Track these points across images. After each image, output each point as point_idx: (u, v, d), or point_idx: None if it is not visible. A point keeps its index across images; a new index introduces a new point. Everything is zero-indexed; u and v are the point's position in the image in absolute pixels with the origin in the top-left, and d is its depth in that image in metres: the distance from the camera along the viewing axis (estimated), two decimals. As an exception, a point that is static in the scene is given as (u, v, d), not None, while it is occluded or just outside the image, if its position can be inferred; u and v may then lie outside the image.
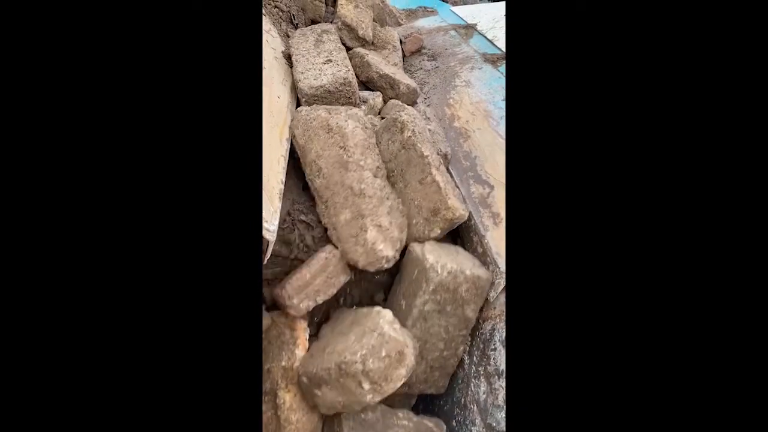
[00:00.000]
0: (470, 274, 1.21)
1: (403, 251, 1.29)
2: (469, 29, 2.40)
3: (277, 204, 1.04)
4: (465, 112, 1.78)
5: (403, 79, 1.83)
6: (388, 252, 1.18)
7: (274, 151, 1.17)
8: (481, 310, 1.30)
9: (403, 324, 1.18)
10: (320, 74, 1.48)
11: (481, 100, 1.82)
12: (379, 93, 1.75)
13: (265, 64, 1.40)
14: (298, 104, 1.46)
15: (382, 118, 1.63)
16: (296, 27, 1.96)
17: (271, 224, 0.99)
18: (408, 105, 1.73)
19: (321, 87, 1.45)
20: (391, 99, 1.78)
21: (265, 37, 1.51)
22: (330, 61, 1.55)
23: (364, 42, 1.91)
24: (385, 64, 1.89)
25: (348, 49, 1.99)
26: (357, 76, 1.79)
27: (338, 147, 1.24)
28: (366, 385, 0.99)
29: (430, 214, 1.29)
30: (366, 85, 1.83)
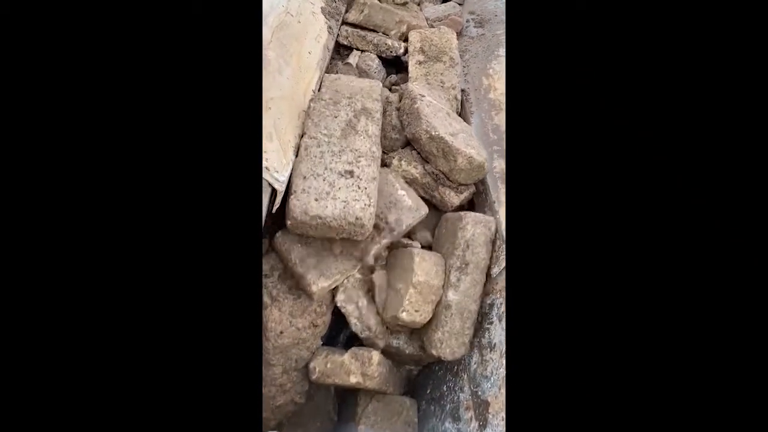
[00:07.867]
0: None
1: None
2: (524, -4, 2.27)
3: (290, 156, 1.08)
4: (503, 84, 1.72)
5: (465, 146, 1.24)
6: None
7: (297, 106, 1.20)
8: (484, 284, 1.30)
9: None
10: (326, 196, 1.03)
11: (521, 73, 1.75)
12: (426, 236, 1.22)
13: (300, 18, 1.41)
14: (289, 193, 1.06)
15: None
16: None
17: (281, 175, 1.04)
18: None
19: (318, 217, 1.01)
20: (439, 189, 1.24)
21: (304, -9, 1.51)
22: (351, 174, 1.08)
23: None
24: (444, 116, 1.29)
25: (394, 64, 1.68)
26: (400, 123, 1.31)
27: None
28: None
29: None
30: (410, 142, 1.33)
